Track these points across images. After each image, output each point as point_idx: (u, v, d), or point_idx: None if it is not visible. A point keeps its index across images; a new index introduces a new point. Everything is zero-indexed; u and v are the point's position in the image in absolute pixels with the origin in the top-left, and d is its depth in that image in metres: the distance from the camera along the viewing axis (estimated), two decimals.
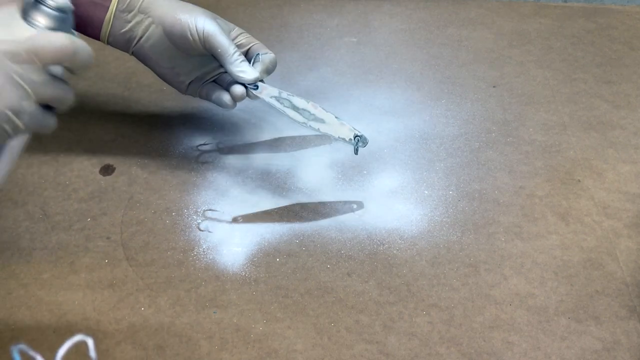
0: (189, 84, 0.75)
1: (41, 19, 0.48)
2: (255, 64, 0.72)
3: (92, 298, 0.64)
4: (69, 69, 0.49)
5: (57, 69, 0.48)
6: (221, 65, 0.71)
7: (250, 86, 0.71)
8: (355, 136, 0.69)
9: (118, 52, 0.75)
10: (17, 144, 0.52)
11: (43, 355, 0.42)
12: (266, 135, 0.83)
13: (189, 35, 0.70)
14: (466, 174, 0.78)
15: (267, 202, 0.74)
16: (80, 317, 0.62)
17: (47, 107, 0.49)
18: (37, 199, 0.73)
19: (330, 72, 0.94)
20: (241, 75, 0.70)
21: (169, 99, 0.86)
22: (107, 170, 0.77)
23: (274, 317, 0.63)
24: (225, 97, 0.74)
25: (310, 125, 0.70)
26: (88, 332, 0.60)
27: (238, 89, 0.72)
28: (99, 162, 0.78)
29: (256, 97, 0.72)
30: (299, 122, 0.70)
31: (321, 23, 1.04)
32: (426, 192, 0.76)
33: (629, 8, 1.10)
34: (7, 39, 0.45)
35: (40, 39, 0.46)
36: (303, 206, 0.74)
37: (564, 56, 0.98)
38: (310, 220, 0.72)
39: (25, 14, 0.47)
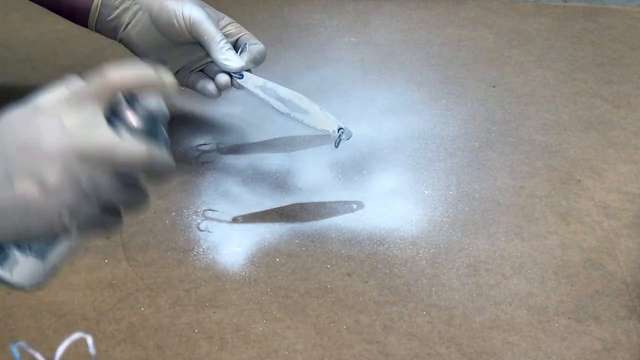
0: (176, 72, 0.75)
1: (129, 121, 0.44)
2: (242, 54, 0.71)
3: (92, 298, 0.64)
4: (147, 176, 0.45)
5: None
6: (208, 54, 0.71)
7: (236, 75, 0.71)
8: (339, 128, 0.69)
9: (119, 53, 0.75)
10: (67, 246, 0.47)
11: (43, 355, 0.42)
12: (266, 135, 0.83)
13: (175, 22, 0.69)
14: (466, 174, 0.78)
15: (267, 202, 0.74)
16: (80, 317, 0.62)
17: (113, 208, 0.44)
18: None
19: (330, 72, 0.94)
20: (226, 63, 0.69)
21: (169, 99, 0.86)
22: None
23: (273, 317, 0.62)
24: (210, 86, 0.73)
25: (294, 117, 0.69)
26: (88, 332, 0.60)
27: (223, 78, 0.71)
28: None
29: (241, 87, 0.71)
30: (282, 113, 0.70)
31: (321, 23, 1.04)
32: (426, 192, 0.76)
33: (629, 8, 1.10)
34: (81, 137, 0.41)
35: (115, 144, 0.42)
36: (303, 206, 0.74)
37: (564, 56, 0.98)
38: (310, 220, 0.72)
39: (112, 114, 0.43)
